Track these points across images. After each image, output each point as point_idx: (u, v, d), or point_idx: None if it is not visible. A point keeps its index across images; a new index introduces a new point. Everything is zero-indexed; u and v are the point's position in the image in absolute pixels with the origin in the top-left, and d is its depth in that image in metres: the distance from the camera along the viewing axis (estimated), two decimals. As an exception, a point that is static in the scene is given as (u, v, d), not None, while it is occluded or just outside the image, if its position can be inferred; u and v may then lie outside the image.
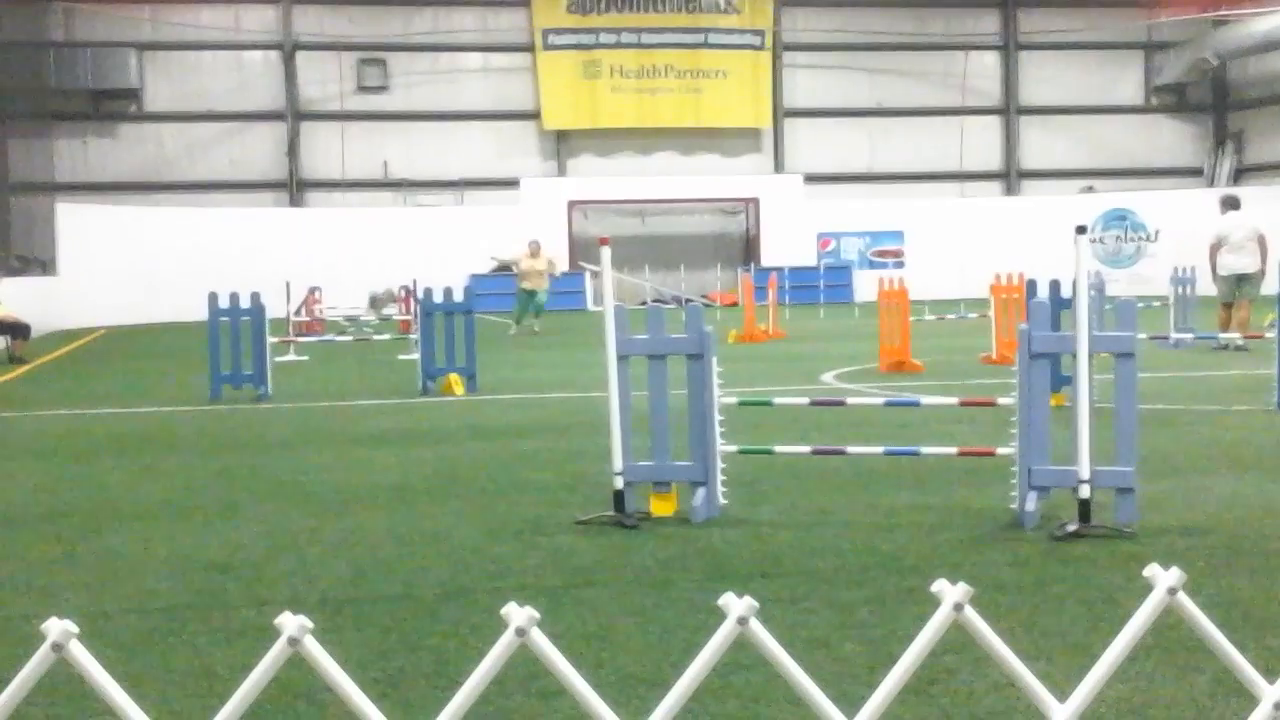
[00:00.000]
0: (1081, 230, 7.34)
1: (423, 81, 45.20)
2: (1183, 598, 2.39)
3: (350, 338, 25.01)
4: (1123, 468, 7.39)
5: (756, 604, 2.54)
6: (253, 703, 2.27)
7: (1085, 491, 7.25)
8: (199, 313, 16.68)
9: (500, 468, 10.05)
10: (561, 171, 45.68)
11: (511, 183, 43.54)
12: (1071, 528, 7.16)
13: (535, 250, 28.70)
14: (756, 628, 2.55)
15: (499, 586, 6.34)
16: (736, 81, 45.79)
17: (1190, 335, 18.56)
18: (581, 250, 42.59)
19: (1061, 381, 11.80)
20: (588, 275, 42.01)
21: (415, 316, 19.62)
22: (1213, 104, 49.60)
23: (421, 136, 45.01)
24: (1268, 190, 39.98)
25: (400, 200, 44.45)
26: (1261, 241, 20.26)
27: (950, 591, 2.47)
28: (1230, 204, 21.05)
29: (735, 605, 2.50)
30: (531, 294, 28.50)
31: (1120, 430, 7.49)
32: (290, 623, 2.25)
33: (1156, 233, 43.20)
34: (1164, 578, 2.35)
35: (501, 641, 2.46)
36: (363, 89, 44.90)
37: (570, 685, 2.47)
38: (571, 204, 43.25)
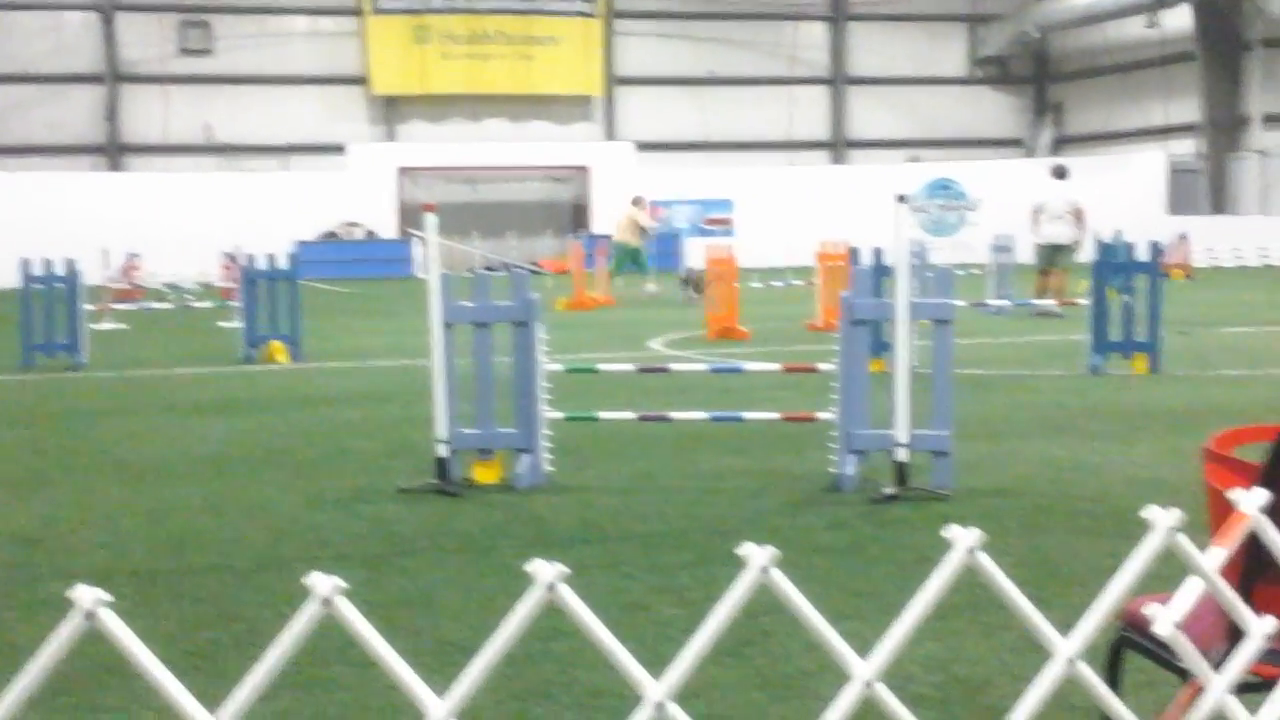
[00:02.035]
0: (902, 199, 7.46)
1: (248, 45, 44.27)
2: (982, 557, 2.42)
3: (171, 305, 24.46)
4: (939, 431, 7.54)
5: (567, 570, 2.52)
6: (59, 677, 2.19)
7: (902, 455, 7.38)
8: (12, 279, 16.17)
9: (323, 436, 9.91)
10: (391, 138, 45.13)
11: (339, 149, 42.90)
12: (889, 491, 7.28)
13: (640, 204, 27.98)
14: (566, 593, 2.53)
15: (318, 556, 6.26)
16: (568, 48, 45.64)
17: (1008, 302, 19.00)
18: (410, 218, 42.15)
19: (883, 348, 11.99)
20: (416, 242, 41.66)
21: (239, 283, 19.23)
22: (1034, 76, 50.77)
23: (247, 101, 44.10)
24: (1085, 160, 41.04)
25: (225, 166, 43.54)
26: (1078, 213, 20.77)
27: (757, 554, 2.48)
28: (1057, 174, 21.53)
29: (544, 571, 2.48)
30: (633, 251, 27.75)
31: (937, 395, 7.63)
32: (86, 595, 2.18)
33: (979, 202, 44.08)
34: (963, 537, 2.38)
35: (304, 612, 2.41)
36: (186, 51, 43.83)
37: (377, 654, 2.43)
38: (401, 171, 42.76)
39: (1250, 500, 2.28)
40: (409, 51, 44.45)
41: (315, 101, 44.75)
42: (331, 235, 41.36)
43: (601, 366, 9.85)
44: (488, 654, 2.43)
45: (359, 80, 44.87)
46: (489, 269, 39.66)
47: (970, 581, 4.16)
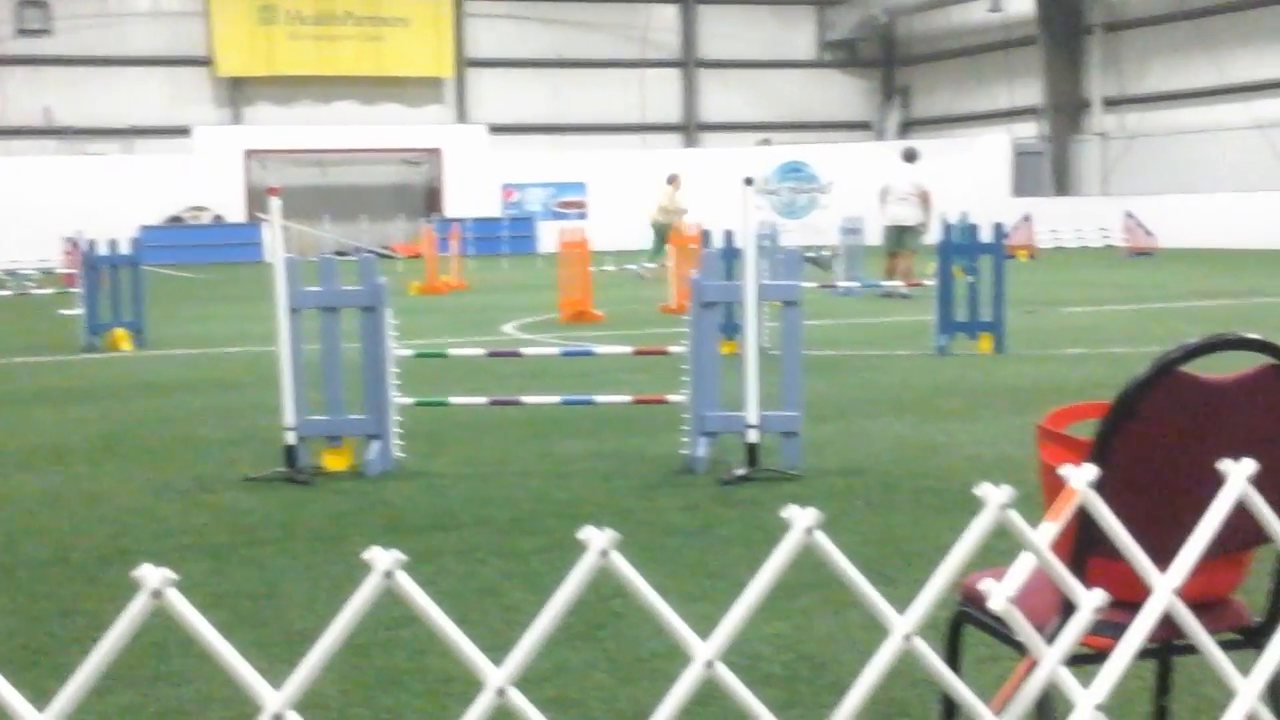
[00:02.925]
0: (749, 182, 7.50)
1: (89, 25, 43.20)
2: (820, 536, 2.44)
3: (10, 292, 23.81)
4: (789, 412, 7.61)
5: (404, 557, 2.49)
6: None
7: (753, 436, 7.44)
8: None
9: (167, 425, 9.72)
10: (237, 120, 44.39)
11: (184, 131, 42.08)
12: (740, 472, 7.34)
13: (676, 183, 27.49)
14: (404, 580, 2.51)
15: (162, 548, 6.13)
16: (418, 30, 45.25)
17: (858, 284, 19.25)
18: (258, 201, 41.48)
19: (734, 329, 12.07)
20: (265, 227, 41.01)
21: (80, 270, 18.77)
22: (881, 59, 51.45)
23: (88, 82, 43.05)
24: (932, 143, 41.68)
25: (65, 149, 42.44)
26: (924, 196, 21.08)
27: (597, 537, 2.47)
28: (906, 156, 21.82)
29: (381, 559, 2.46)
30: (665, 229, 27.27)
31: (786, 376, 7.70)
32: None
33: (829, 184, 44.58)
34: (802, 517, 2.39)
35: (134, 605, 2.35)
36: (23, 32, 42.64)
37: (211, 646, 2.38)
38: (248, 153, 42.07)
39: (1080, 476, 2.32)
40: (255, 32, 43.73)
41: (159, 83, 43.85)
42: (177, 220, 40.59)
43: (452, 351, 9.78)
44: (324, 644, 2.39)
45: (204, 61, 44.07)
46: (340, 253, 39.23)
47: (818, 560, 4.21)
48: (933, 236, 16.60)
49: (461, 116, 46.30)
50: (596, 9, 47.68)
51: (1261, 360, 2.69)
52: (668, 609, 2.76)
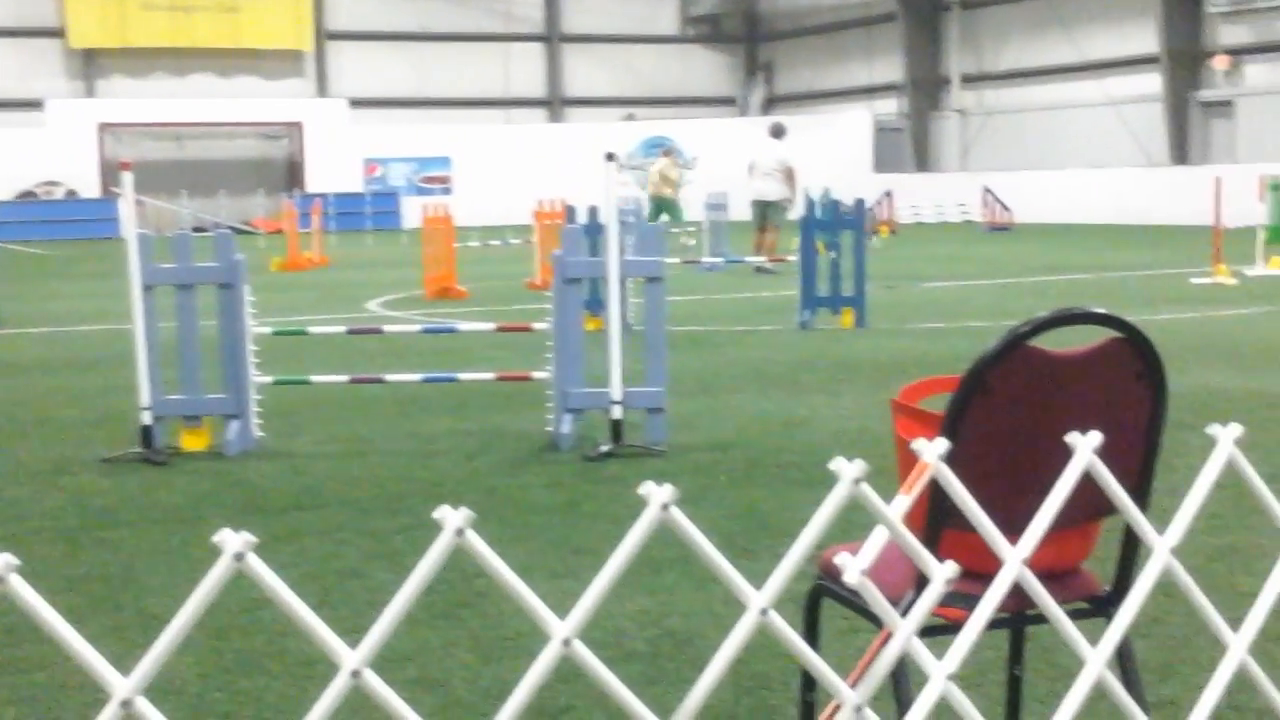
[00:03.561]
0: (611, 158, 7.50)
1: (-67, -6, 41.95)
2: (676, 513, 2.45)
3: None
4: (653, 388, 7.63)
5: (254, 539, 2.46)
6: None
7: (617, 412, 7.45)
8: None
9: (20, 406, 9.48)
10: (90, 93, 43.38)
11: (35, 104, 41.02)
12: (605, 448, 7.35)
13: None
14: (255, 563, 2.47)
15: (14, 532, 5.98)
16: (276, 2, 44.53)
17: (722, 259, 19.35)
18: (113, 176, 40.59)
19: (599, 305, 12.07)
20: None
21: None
22: (744, 35, 51.69)
23: (-67, 53, 41.80)
24: (795, 119, 41.98)
25: (-90, 122, 41.20)
26: (789, 172, 21.24)
27: (452, 516, 2.45)
28: (774, 132, 21.96)
29: (231, 541, 2.42)
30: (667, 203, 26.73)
31: (650, 352, 7.72)
32: None
33: (694, 159, 44.71)
34: (658, 494, 2.39)
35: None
36: None
37: (54, 631, 2.33)
38: (102, 127, 41.13)
39: (932, 450, 2.35)
40: (107, 3, 42.75)
41: (8, 55, 42.69)
42: (29, 195, 39.61)
43: (312, 329, 9.65)
44: (173, 629, 2.35)
45: (55, 33, 42.98)
46: (198, 229, 38.57)
47: (677, 536, 4.21)
48: (797, 212, 16.75)
49: (322, 90, 45.71)
50: (459, -18, 47.35)
51: (1108, 333, 2.75)
52: (525, 588, 2.75)
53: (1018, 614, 3.03)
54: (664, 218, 27.88)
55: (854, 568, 2.44)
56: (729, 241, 22.45)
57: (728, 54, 51.66)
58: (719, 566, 2.55)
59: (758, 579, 2.01)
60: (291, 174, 43.82)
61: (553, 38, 48.80)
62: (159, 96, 42.93)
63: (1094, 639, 2.65)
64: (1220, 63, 36.14)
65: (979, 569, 2.49)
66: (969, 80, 43.95)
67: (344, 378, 9.18)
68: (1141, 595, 2.53)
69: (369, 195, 41.56)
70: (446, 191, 41.73)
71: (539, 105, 48.95)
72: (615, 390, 7.47)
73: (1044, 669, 4.00)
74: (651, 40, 49.94)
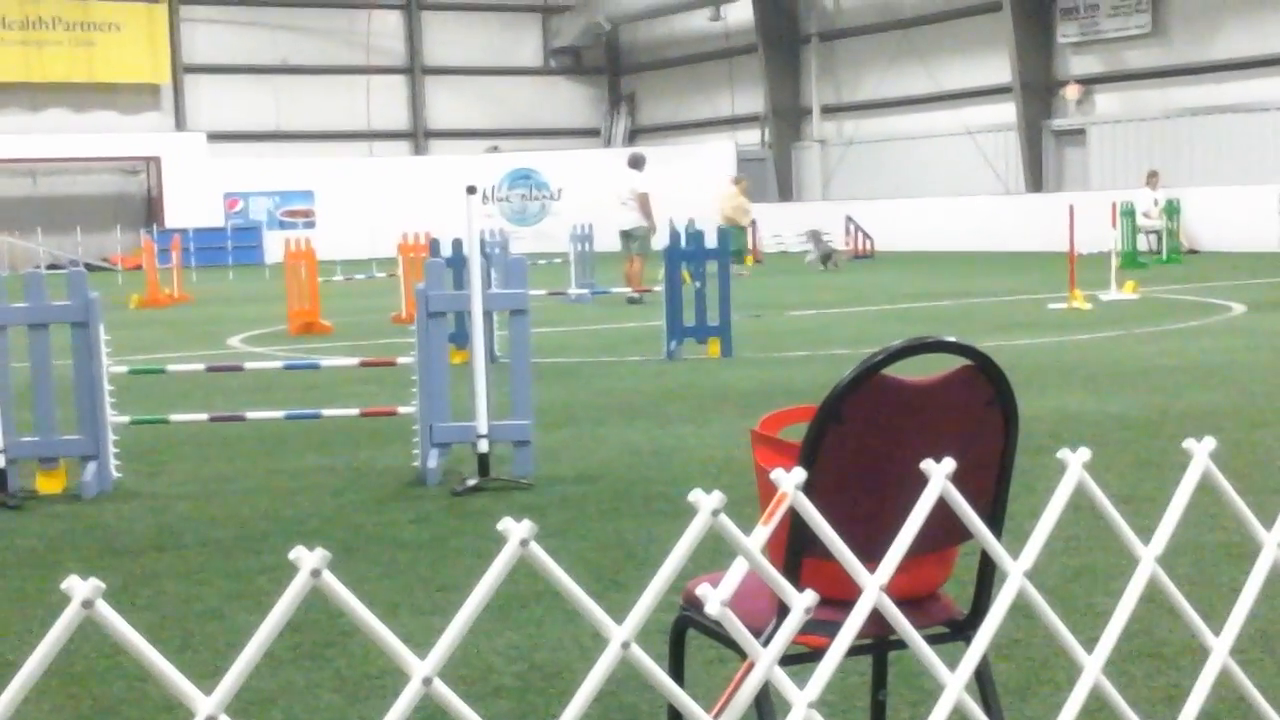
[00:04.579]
0: (471, 190, 7.49)
1: None
2: (535, 549, 2.44)
3: None
4: (519, 421, 7.61)
5: (102, 585, 2.40)
6: None
7: (484, 446, 7.42)
8: None
9: None
10: (-60, 128, 42.35)
11: (-119, 140, 39.96)
12: (471, 482, 7.31)
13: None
14: (104, 609, 2.42)
15: None
16: (132, 35, 43.86)
17: (588, 290, 19.40)
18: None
19: (465, 338, 12.02)
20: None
21: None
22: (607, 67, 51.94)
23: None
24: (659, 150, 42.26)
25: None
26: (643, 200, 21.48)
27: (307, 558, 2.42)
28: (631, 163, 22.19)
29: (79, 588, 2.37)
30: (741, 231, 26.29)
31: (515, 385, 7.70)
32: None
33: (559, 191, 44.80)
34: (516, 530, 2.39)
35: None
36: None
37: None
38: (-47, 163, 40.16)
39: (789, 479, 2.37)
40: (-42, 37, 41.79)
41: None
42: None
43: (170, 367, 9.50)
44: (22, 676, 2.29)
45: (-97, 67, 41.91)
46: (54, 266, 37.79)
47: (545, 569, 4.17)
48: (660, 242, 16.83)
49: (180, 124, 45.06)
50: (318, 14, 46.99)
51: (960, 361, 2.80)
52: (383, 627, 2.72)
53: (880, 639, 3.06)
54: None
55: (715, 599, 2.45)
56: (595, 273, 22.51)
57: (591, 85, 51.87)
58: (580, 600, 2.55)
59: (626, 611, 2.02)
60: (150, 209, 43.09)
61: (415, 70, 48.63)
62: (12, 132, 42.00)
63: (954, 662, 2.69)
64: (1071, 92, 37.05)
65: (841, 596, 2.52)
66: (829, 111, 44.57)
67: (204, 416, 9.04)
68: (997, 618, 2.57)
69: (230, 230, 41.02)
70: (310, 225, 41.32)
71: (402, 138, 48.73)
72: (481, 424, 7.44)
73: (907, 693, 4.05)
74: (514, 72, 49.99)
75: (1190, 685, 2.83)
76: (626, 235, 21.53)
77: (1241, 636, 4.16)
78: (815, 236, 30.54)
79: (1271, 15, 32.86)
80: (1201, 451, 2.78)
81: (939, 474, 2.51)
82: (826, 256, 29.78)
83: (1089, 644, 2.74)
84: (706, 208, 27.70)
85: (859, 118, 43.76)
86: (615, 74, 52.01)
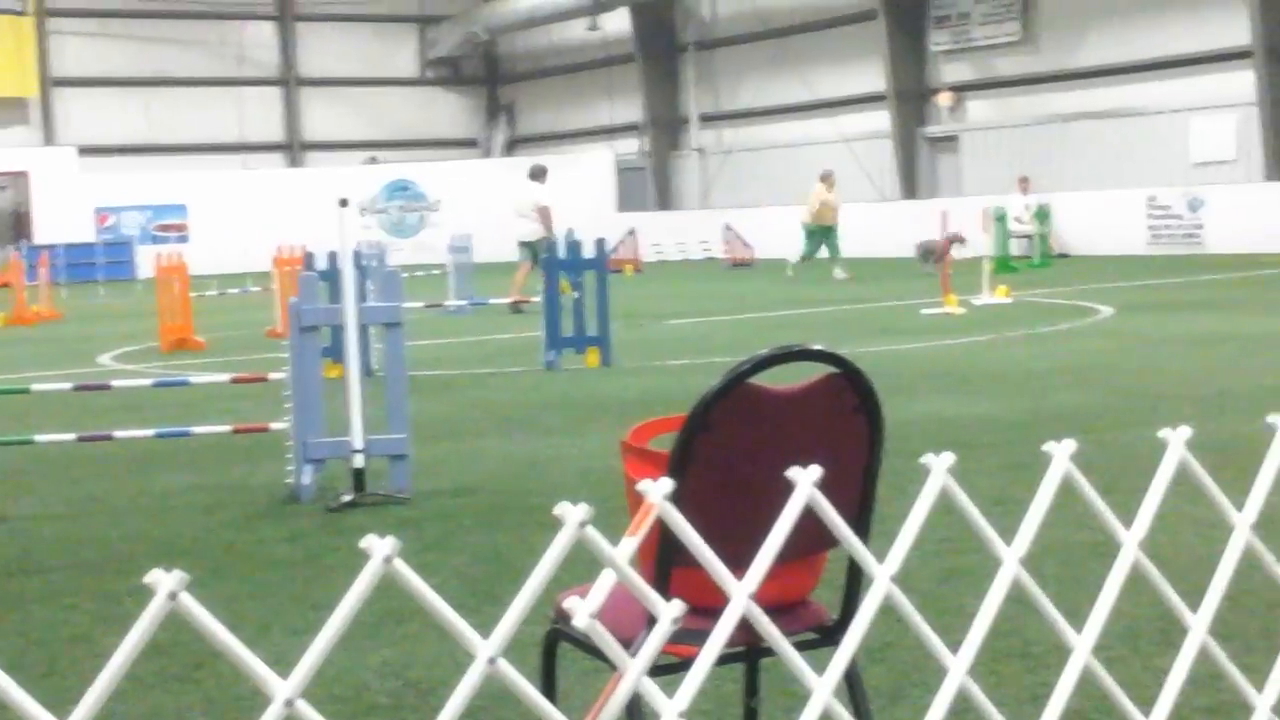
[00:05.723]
0: (344, 203, 7.41)
1: None
2: (400, 565, 2.41)
3: None
4: (395, 435, 7.54)
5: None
6: None
7: (359, 461, 7.34)
8: None
9: None
10: None
11: None
12: (347, 498, 7.23)
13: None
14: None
15: None
16: (-3, 49, 42.95)
17: (467, 302, 19.30)
18: None
19: (341, 352, 11.89)
20: None
21: None
22: (485, 77, 51.78)
23: None
24: (538, 159, 42.12)
25: None
26: (542, 212, 21.59)
27: (164, 580, 2.36)
28: (532, 174, 22.49)
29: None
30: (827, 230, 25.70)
31: (391, 398, 7.63)
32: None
33: (438, 202, 44.55)
34: (379, 546, 2.35)
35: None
36: None
37: None
38: None
39: (657, 489, 2.37)
40: None
41: None
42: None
43: (35, 386, 9.28)
44: None
45: None
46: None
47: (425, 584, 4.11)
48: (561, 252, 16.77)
49: (49, 138, 44.17)
50: (190, 26, 46.32)
51: (826, 369, 2.81)
52: (243, 649, 2.67)
53: (751, 647, 3.06)
54: (823, 251, 27.16)
55: (583, 611, 2.43)
56: (475, 284, 22.40)
57: (469, 96, 51.67)
58: (445, 617, 2.52)
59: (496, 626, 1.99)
60: (18, 225, 42.15)
61: (289, 81, 48.12)
62: (-128, 147, 40.95)
63: (825, 667, 2.68)
64: (944, 99, 37.58)
65: (712, 605, 2.51)
66: (707, 119, 44.80)
67: (71, 436, 8.84)
68: (864, 623, 2.58)
69: (101, 245, 40.27)
70: (183, 239, 40.67)
71: (277, 150, 48.18)
72: (356, 438, 7.35)
73: (781, 699, 4.06)
74: (392, 83, 49.64)
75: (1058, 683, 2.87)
76: (526, 246, 21.63)
77: (1108, 634, 4.23)
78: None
79: (1136, 23, 33.61)
80: (1061, 454, 2.81)
81: (805, 481, 2.51)
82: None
83: (958, 646, 2.75)
84: (585, 216, 27.76)
85: (737, 126, 44.03)
86: (494, 84, 51.87)
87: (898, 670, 4.28)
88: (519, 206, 21.84)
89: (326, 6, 47.97)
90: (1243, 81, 31.65)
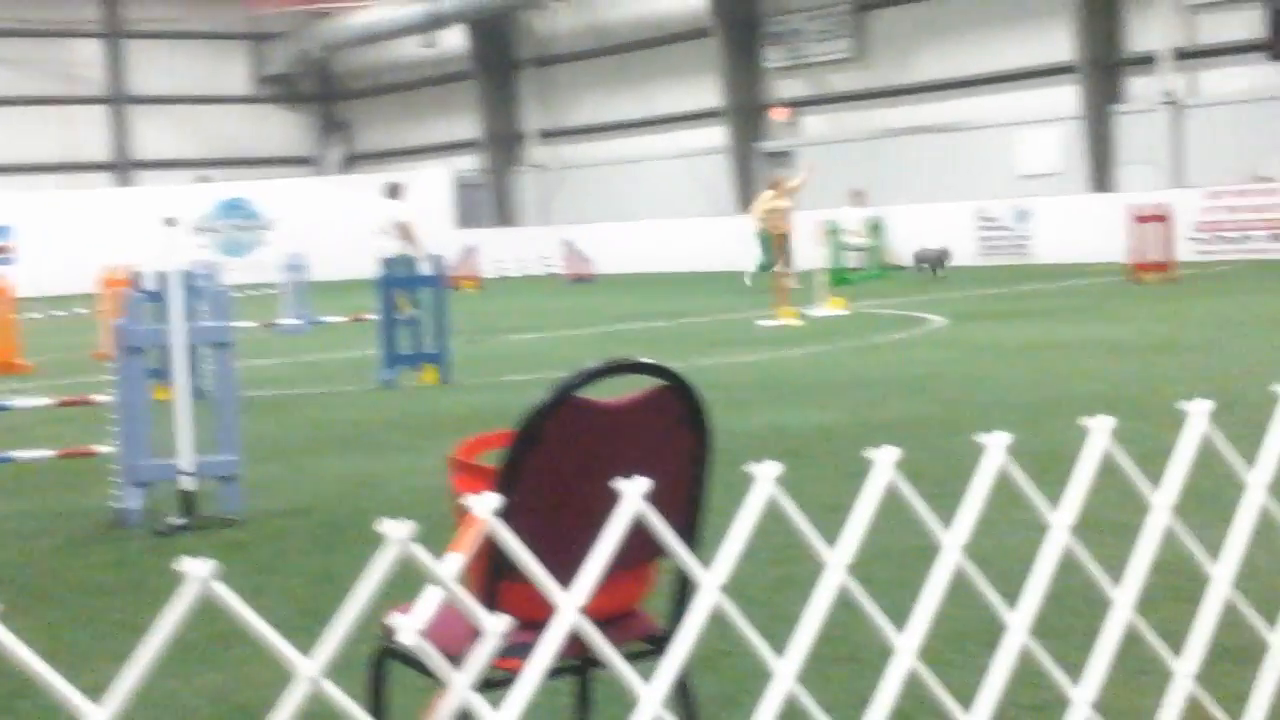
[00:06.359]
0: (170, 222, 7.27)
1: None
2: (219, 587, 2.35)
3: None
4: (226, 456, 7.40)
5: None
6: None
7: (188, 483, 7.19)
8: None
9: None
10: None
11: None
12: (176, 521, 7.07)
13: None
14: None
15: None
16: None
17: (303, 321, 19.05)
18: None
19: (168, 374, 11.65)
20: None
21: None
22: (320, 94, 51.21)
23: None
24: (377, 177, 41.78)
25: None
26: (403, 228, 21.45)
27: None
28: (387, 192, 22.28)
29: None
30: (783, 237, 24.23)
31: (221, 419, 7.49)
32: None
33: (273, 221, 43.89)
34: (196, 569, 2.30)
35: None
36: None
37: None
38: None
39: (483, 504, 2.35)
40: None
41: None
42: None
43: None
44: None
45: None
46: None
47: (254, 607, 4.05)
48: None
49: None
50: (14, 45, 45.11)
51: (654, 382, 2.81)
52: (56, 678, 2.59)
53: (584, 659, 3.05)
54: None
55: (408, 628, 2.40)
56: (311, 302, 22.12)
57: (304, 113, 51.06)
58: (266, 638, 2.46)
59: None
60: None
61: (118, 99, 47.09)
62: None
63: (656, 678, 2.67)
64: (778, 114, 38.06)
65: (544, 618, 2.49)
66: (546, 136, 44.82)
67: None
68: (692, 632, 2.59)
69: (-79, 268, 39.00)
70: (7, 261, 39.54)
71: (107, 169, 47.11)
72: (185, 460, 7.20)
73: (617, 711, 4.05)
74: (223, 100, 48.87)
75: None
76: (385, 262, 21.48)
77: (935, 637, 4.30)
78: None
79: (964, 40, 34.41)
80: (885, 460, 2.84)
81: (633, 493, 2.51)
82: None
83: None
84: (422, 233, 27.48)
85: (576, 143, 44.12)
86: (329, 101, 51.33)
87: (731, 678, 4.30)
88: (379, 225, 21.67)
89: (156, 24, 47.05)
90: (1066, 96, 32.58)
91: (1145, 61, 31.77)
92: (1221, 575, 3.41)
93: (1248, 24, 30.09)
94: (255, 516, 7.28)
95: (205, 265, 21.23)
